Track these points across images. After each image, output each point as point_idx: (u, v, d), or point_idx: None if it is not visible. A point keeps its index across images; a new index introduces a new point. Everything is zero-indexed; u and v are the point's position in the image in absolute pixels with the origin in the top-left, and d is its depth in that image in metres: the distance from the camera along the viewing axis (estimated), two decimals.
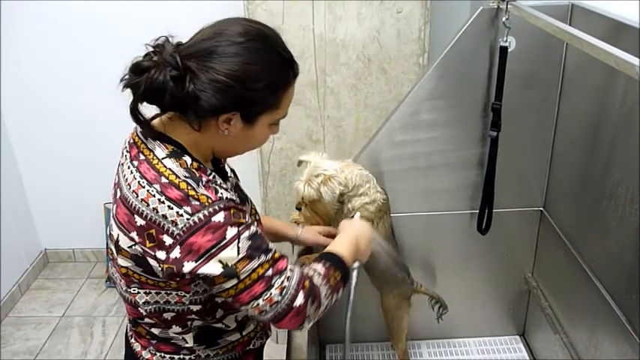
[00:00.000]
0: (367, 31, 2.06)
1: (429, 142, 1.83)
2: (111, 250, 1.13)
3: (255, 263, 1.02)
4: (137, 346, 1.25)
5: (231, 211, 1.02)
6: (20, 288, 3.09)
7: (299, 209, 1.61)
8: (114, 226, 1.08)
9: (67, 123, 3.00)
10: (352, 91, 2.16)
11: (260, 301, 1.03)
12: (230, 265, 1.00)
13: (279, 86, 1.06)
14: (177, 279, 1.07)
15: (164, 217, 0.99)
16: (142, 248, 1.03)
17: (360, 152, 1.84)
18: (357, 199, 1.61)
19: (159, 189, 1.00)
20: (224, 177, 1.18)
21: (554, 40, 1.51)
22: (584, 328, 1.73)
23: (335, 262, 1.20)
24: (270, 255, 1.06)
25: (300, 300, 1.06)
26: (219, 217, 0.99)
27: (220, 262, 0.99)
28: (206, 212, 0.99)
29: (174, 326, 1.17)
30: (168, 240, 0.99)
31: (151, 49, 1.02)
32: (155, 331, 1.20)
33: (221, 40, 1.00)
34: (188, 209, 0.98)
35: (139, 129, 1.10)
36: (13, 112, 2.99)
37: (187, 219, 0.98)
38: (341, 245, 1.28)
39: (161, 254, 1.01)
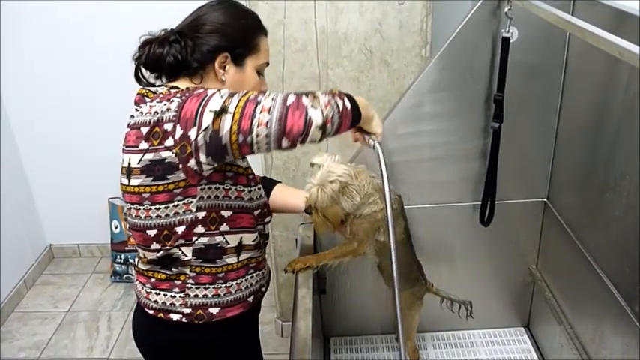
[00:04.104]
0: (369, 24, 2.05)
1: (432, 134, 1.83)
2: (124, 186, 1.25)
3: (238, 96, 1.11)
4: (139, 285, 1.38)
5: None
6: (26, 283, 3.11)
7: (309, 213, 1.55)
8: (124, 159, 1.23)
9: (71, 118, 3.02)
10: (355, 83, 2.15)
11: (257, 114, 1.08)
12: (218, 107, 1.10)
13: (253, 29, 1.31)
14: (193, 162, 1.15)
15: (162, 111, 1.15)
16: (152, 151, 1.17)
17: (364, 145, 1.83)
18: (367, 207, 1.55)
19: (157, 99, 1.19)
20: None
21: (557, 31, 1.50)
22: (588, 319, 1.73)
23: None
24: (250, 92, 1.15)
25: (291, 98, 1.10)
26: (201, 89, 1.17)
27: (210, 110, 1.10)
28: (191, 91, 1.17)
29: (179, 240, 1.25)
30: (169, 126, 1.14)
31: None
32: (157, 255, 1.28)
33: (202, 9, 1.29)
34: (178, 95, 1.17)
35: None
36: (16, 107, 3.00)
37: (177, 100, 1.15)
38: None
39: (169, 141, 1.15)
